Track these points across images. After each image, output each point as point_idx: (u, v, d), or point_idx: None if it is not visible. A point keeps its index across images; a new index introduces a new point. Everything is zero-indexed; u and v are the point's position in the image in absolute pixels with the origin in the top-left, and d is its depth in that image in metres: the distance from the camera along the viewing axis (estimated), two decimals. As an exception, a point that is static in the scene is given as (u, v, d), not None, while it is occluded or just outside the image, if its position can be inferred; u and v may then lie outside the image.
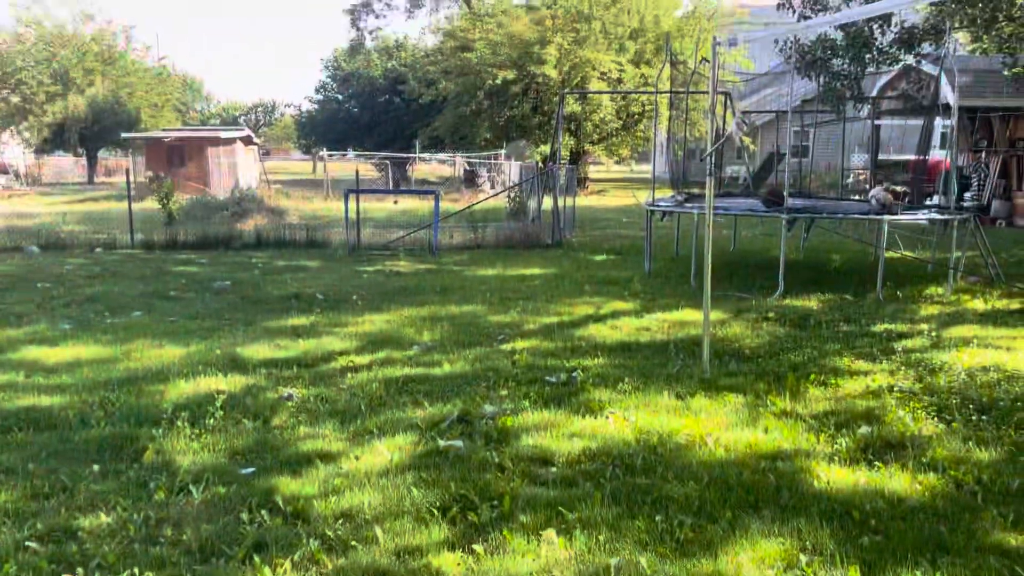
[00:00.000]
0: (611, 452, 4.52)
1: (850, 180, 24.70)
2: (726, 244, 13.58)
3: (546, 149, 26.78)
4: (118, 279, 10.81)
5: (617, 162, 33.48)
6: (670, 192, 13.78)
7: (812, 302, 9.03)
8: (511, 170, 26.17)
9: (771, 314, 8.26)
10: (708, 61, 17.00)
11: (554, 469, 4.37)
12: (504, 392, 5.71)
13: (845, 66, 14.97)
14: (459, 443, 4.67)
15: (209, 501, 4.03)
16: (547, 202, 16.90)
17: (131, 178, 15.50)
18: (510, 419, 5.07)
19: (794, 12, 15.67)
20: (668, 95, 13.74)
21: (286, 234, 14.34)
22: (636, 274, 11.08)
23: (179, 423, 5.07)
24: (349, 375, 6.26)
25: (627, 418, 5.06)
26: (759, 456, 4.48)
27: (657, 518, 3.72)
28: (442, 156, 33.44)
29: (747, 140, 27.94)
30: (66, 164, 46.98)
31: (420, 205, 21.15)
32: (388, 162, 30.46)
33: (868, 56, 14.35)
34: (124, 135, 34.55)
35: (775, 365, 6.31)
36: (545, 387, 5.77)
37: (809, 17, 15.60)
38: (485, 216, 16.20)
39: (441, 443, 4.66)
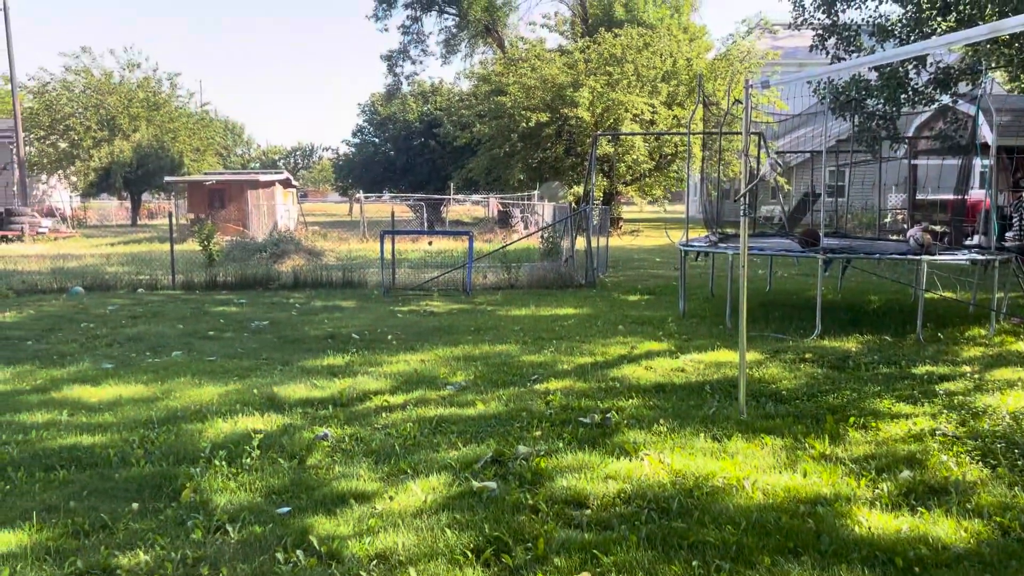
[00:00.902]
0: (646, 495, 4.48)
1: (888, 220, 24.47)
2: (762, 284, 13.49)
3: (579, 190, 26.92)
4: (159, 319, 11.02)
5: (650, 202, 33.52)
6: (704, 232, 13.75)
7: (850, 343, 8.91)
8: (544, 211, 26.33)
9: (808, 355, 8.15)
10: (741, 103, 17.07)
11: (588, 512, 4.33)
12: (537, 433, 5.69)
13: (880, 106, 14.94)
14: (493, 484, 4.66)
15: (245, 540, 4.06)
16: (580, 242, 16.96)
17: (173, 221, 15.88)
18: (544, 460, 5.05)
19: (827, 53, 15.73)
20: (701, 136, 13.75)
21: (323, 275, 14.53)
22: (670, 314, 11.03)
23: (217, 462, 5.13)
24: (384, 415, 6.29)
25: (662, 460, 5.01)
26: (798, 500, 4.41)
27: (694, 563, 3.67)
28: (476, 197, 33.77)
29: (782, 180, 27.84)
30: (111, 207, 48.29)
31: (454, 246, 21.32)
32: (423, 203, 30.83)
33: (903, 96, 14.30)
34: (167, 179, 35.49)
35: (813, 407, 6.21)
36: (579, 428, 5.75)
37: (842, 58, 15.63)
38: (519, 256, 16.31)
39: (475, 484, 4.66)
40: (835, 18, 15.43)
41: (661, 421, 5.83)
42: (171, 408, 6.55)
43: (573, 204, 21.49)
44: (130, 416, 6.33)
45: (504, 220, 28.50)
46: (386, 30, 48.35)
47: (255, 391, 7.04)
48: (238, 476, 4.94)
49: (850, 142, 15.65)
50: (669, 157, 28.50)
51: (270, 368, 8.02)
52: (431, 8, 39.71)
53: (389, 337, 9.56)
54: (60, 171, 43.30)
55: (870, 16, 15.33)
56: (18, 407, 6.66)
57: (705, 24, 38.89)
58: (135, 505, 4.53)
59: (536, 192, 28.74)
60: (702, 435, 5.49)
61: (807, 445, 5.29)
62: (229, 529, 4.17)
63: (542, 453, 5.20)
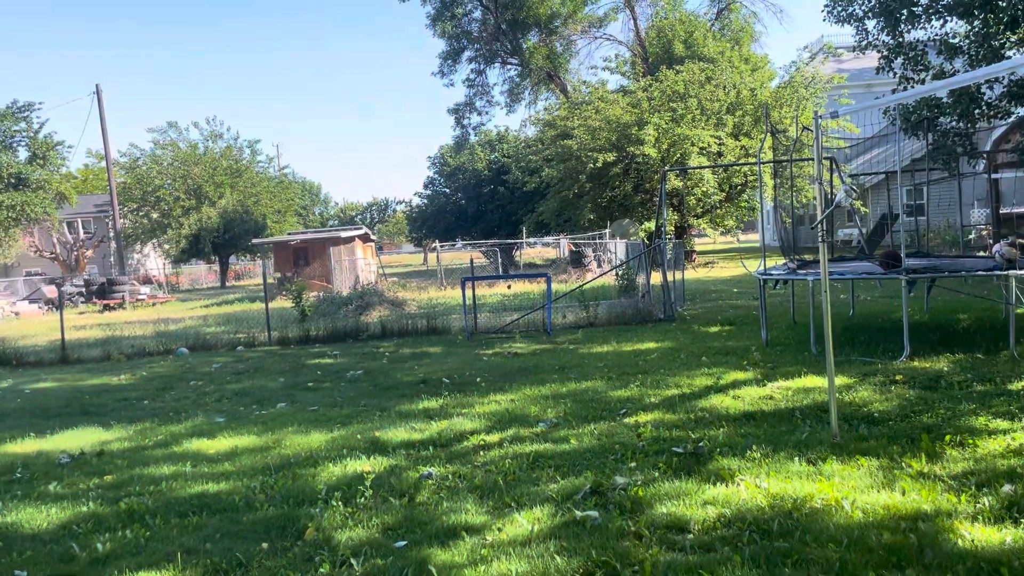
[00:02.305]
0: (745, 518, 4.62)
1: (972, 236, 23.78)
2: (845, 309, 13.36)
3: (650, 226, 27.05)
4: (261, 374, 11.64)
5: (723, 233, 33.33)
6: (781, 260, 13.74)
7: (941, 363, 8.80)
8: (616, 248, 26.53)
9: (899, 377, 8.11)
10: (810, 130, 17.06)
11: (690, 536, 4.50)
12: (632, 464, 5.88)
13: (952, 123, 14.76)
14: (595, 513, 4.87)
15: (369, 572, 4.37)
16: (655, 277, 17.10)
17: (265, 281, 16.73)
18: (641, 489, 5.23)
19: (894, 74, 15.66)
20: (771, 164, 13.82)
21: (408, 324, 15.05)
22: (753, 344, 11.06)
23: (333, 503, 5.49)
24: (481, 453, 6.58)
25: (759, 484, 5.13)
26: (899, 517, 4.48)
27: (798, 579, 3.80)
28: (548, 239, 34.20)
29: (858, 203, 27.40)
30: (200, 271, 50.61)
31: (530, 288, 21.70)
32: (497, 249, 31.41)
33: (977, 111, 14.13)
34: (254, 240, 37.14)
35: (907, 428, 6.22)
36: (673, 458, 5.91)
37: (911, 78, 15.53)
38: (595, 295, 16.54)
39: (578, 514, 4.88)
40: (900, 39, 15.39)
41: (754, 447, 5.94)
42: (284, 455, 6.98)
43: (645, 240, 21.63)
44: (248, 464, 6.78)
45: (577, 260, 28.80)
46: (452, 84, 49.99)
47: (359, 436, 7.43)
48: (354, 515, 5.28)
49: (926, 160, 15.46)
50: (739, 187, 28.42)
51: (369, 414, 8.42)
52: (494, 60, 40.87)
53: (478, 379, 9.88)
54: (153, 240, 45.76)
55: (936, 34, 15.25)
56: (145, 461, 7.20)
57: (766, 53, 38.80)
58: (264, 545, 4.90)
59: (607, 230, 28.98)
60: (796, 459, 5.59)
61: (904, 464, 5.33)
62: (353, 563, 4.49)
63: (639, 483, 5.38)
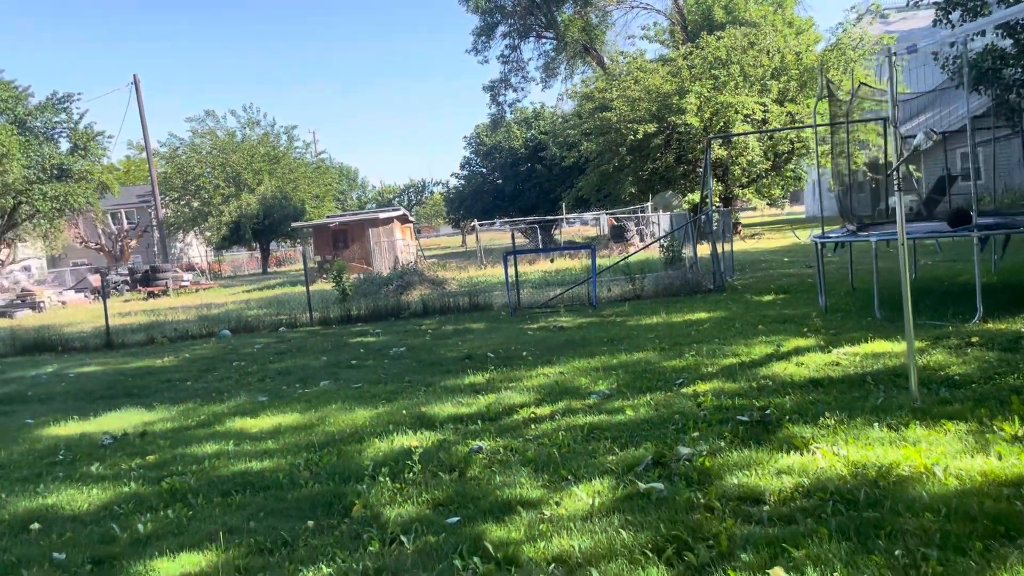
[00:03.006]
0: (826, 487, 4.23)
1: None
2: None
3: (693, 198, 26.41)
4: (303, 353, 11.47)
5: (770, 204, 32.51)
6: (835, 226, 13.15)
7: (1018, 324, 8.25)
8: (660, 221, 25.96)
9: (975, 339, 7.60)
10: (868, 86, 16.31)
11: (767, 508, 4.13)
12: (695, 434, 5.51)
13: (1018, 75, 13.97)
14: (660, 485, 4.53)
15: (421, 550, 4.09)
16: (702, 248, 16.59)
17: (306, 263, 16.60)
18: (708, 460, 4.87)
19: (952, 27, 14.86)
20: (824, 128, 13.20)
21: (450, 301, 14.79)
22: (811, 311, 10.57)
23: (380, 479, 5.22)
24: (532, 426, 6.27)
25: (836, 452, 4.74)
26: (999, 484, 4.06)
27: (896, 552, 3.42)
28: (588, 216, 33.71)
29: (912, 167, 26.40)
30: (242, 258, 51.07)
31: (572, 264, 21.31)
32: (536, 226, 31.02)
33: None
34: (293, 225, 37.23)
35: (993, 390, 5.76)
36: (739, 426, 5.53)
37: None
38: (640, 268, 16.08)
39: (641, 486, 4.54)
40: (959, -12, 14.58)
41: (826, 414, 5.53)
42: (328, 432, 6.75)
43: (691, 211, 21.07)
44: (291, 442, 6.56)
45: (619, 235, 28.29)
46: (486, 62, 49.33)
47: (404, 412, 7.17)
48: (403, 490, 5.01)
49: (987, 118, 14.67)
50: (785, 155, 27.59)
51: (414, 390, 8.16)
52: (528, 35, 40.27)
53: (524, 354, 9.57)
54: (195, 228, 46.21)
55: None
56: (188, 440, 7.02)
57: (811, 16, 37.59)
58: (310, 523, 4.65)
59: (649, 204, 28.40)
60: (875, 425, 5.17)
61: (995, 428, 4.89)
62: (404, 540, 4.21)
63: (704, 453, 5.02)
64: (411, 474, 5.28)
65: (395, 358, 10.30)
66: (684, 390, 6.90)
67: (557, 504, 4.49)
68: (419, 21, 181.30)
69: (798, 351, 8.03)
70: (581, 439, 5.73)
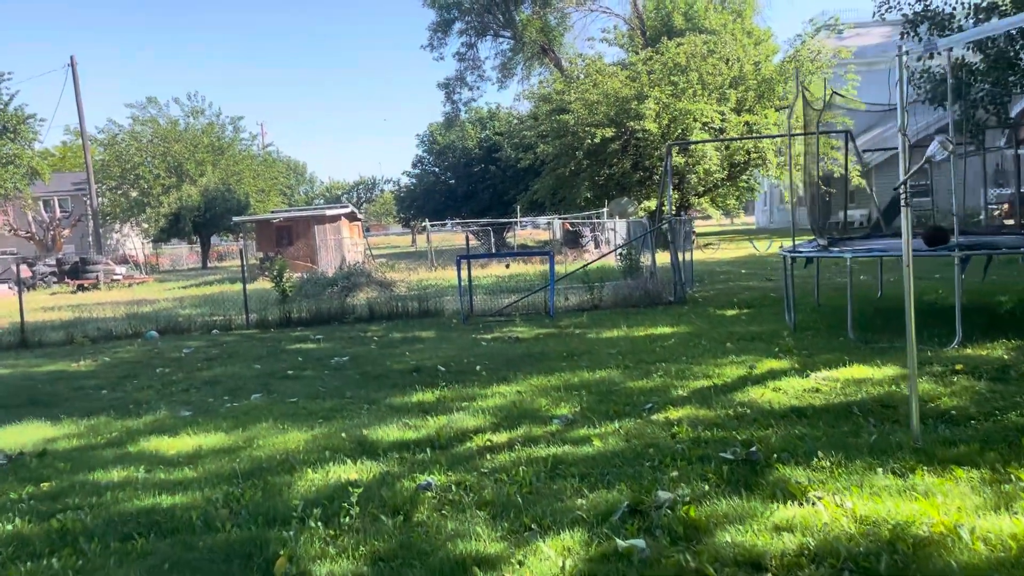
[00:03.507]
0: (836, 551, 3.62)
1: (981, 217, 22.91)
2: (868, 291, 12.40)
3: (649, 205, 26.02)
4: (235, 360, 10.56)
5: (724, 214, 32.37)
6: (802, 239, 12.71)
7: (998, 350, 7.84)
8: (618, 227, 25.48)
9: (959, 367, 7.13)
10: (841, 96, 16.01)
11: (769, 575, 3.50)
12: (674, 473, 4.87)
13: (983, 91, 13.77)
14: (641, 543, 3.86)
15: (355, 626, 3.35)
16: (661, 257, 16.09)
17: (244, 260, 15.60)
18: (693, 508, 4.23)
19: (920, 40, 14.62)
20: (790, 138, 12.77)
21: (398, 306, 13.98)
22: (778, 328, 10.09)
23: (311, 522, 4.46)
24: (488, 456, 5.57)
25: (840, 503, 4.13)
26: (1033, 552, 3.49)
27: (941, 650, 2.80)
28: (544, 219, 33.14)
29: (861, 182, 26.42)
30: (181, 251, 49.23)
31: (526, 269, 20.66)
32: (489, 229, 30.30)
33: (1012, 78, 13.13)
34: (235, 219, 35.86)
35: (997, 429, 5.24)
36: (723, 465, 4.91)
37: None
38: (598, 276, 15.50)
39: (620, 543, 3.86)
40: (927, 2, 14.37)
41: (820, 454, 4.94)
42: (255, 458, 5.94)
43: (649, 218, 20.61)
44: (212, 470, 5.74)
45: (573, 241, 27.74)
46: (441, 58, 48.58)
47: (343, 435, 6.40)
48: (337, 539, 4.26)
49: (953, 132, 14.46)
50: (740, 166, 27.40)
51: (356, 408, 7.38)
52: (486, 33, 39.56)
53: (478, 368, 8.86)
54: (132, 219, 44.34)
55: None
56: (92, 464, 6.14)
57: (769, 27, 37.63)
58: (223, 581, 3.87)
59: (605, 210, 27.92)
60: (878, 470, 4.59)
61: (1012, 476, 4.35)
62: (334, 611, 3.46)
63: (687, 499, 4.38)
64: (348, 518, 4.52)
65: (336, 369, 9.49)
66: (655, 417, 6.27)
67: (520, 564, 3.79)
68: (374, 15, 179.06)
69: (773, 374, 7.48)
70: (544, 476, 5.04)
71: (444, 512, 4.57)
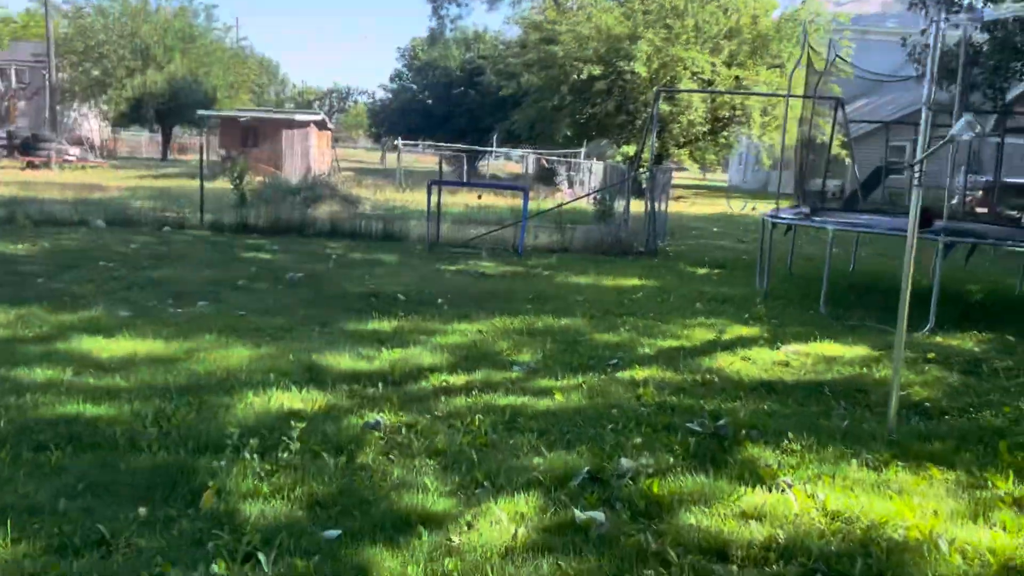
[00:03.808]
0: (807, 548, 3.39)
1: (955, 201, 22.90)
2: (843, 265, 12.23)
3: (628, 150, 25.53)
4: (185, 262, 10.03)
5: (702, 168, 32.04)
6: (778, 204, 12.43)
7: (968, 342, 7.72)
8: (595, 169, 24.99)
9: (931, 355, 6.97)
10: (844, 59, 15.54)
11: (734, 568, 3.26)
12: (638, 440, 4.61)
13: (982, 75, 13.47)
14: (600, 515, 3.59)
15: (283, 579, 3.04)
16: (635, 206, 15.73)
17: (204, 156, 14.84)
18: (656, 483, 3.97)
19: (927, 13, 14.21)
20: (787, 99, 12.36)
21: (361, 224, 13.46)
22: (748, 292, 9.88)
23: (246, 453, 4.11)
24: (443, 399, 5.26)
25: (811, 494, 3.91)
26: (1010, 569, 3.31)
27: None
28: (518, 152, 32.46)
29: (844, 153, 26.23)
30: (142, 139, 47.46)
31: (496, 201, 20.14)
32: (463, 155, 29.57)
33: (1016, 64, 12.84)
34: (200, 112, 34.46)
35: (972, 428, 5.07)
36: (688, 437, 4.66)
37: (946, 19, 14.10)
38: (569, 218, 15.12)
39: (578, 514, 3.59)
40: (940, -27, 13.88)
41: (790, 435, 4.71)
42: (193, 373, 5.55)
43: (622, 164, 20.16)
44: (145, 380, 5.34)
45: (547, 178, 27.21)
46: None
47: (291, 357, 6.03)
48: (273, 476, 3.93)
49: (951, 111, 14.19)
50: (724, 121, 26.97)
51: (307, 329, 6.99)
52: (481, -51, 37.90)
53: (439, 300, 8.49)
54: (92, 99, 42.41)
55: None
56: (16, 359, 5.69)
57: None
58: (142, 510, 3.52)
59: (583, 150, 27.35)
60: (852, 461, 4.37)
61: (988, 483, 4.17)
62: (262, 559, 3.15)
63: (651, 471, 4.12)
64: (287, 452, 4.18)
65: (291, 285, 9.04)
66: (620, 374, 6.01)
67: (469, 526, 3.50)
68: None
69: (742, 341, 7.26)
70: (502, 428, 4.75)
71: (391, 457, 4.26)
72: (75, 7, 42.54)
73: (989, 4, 13.57)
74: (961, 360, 6.89)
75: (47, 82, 37.10)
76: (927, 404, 5.53)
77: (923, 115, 4.40)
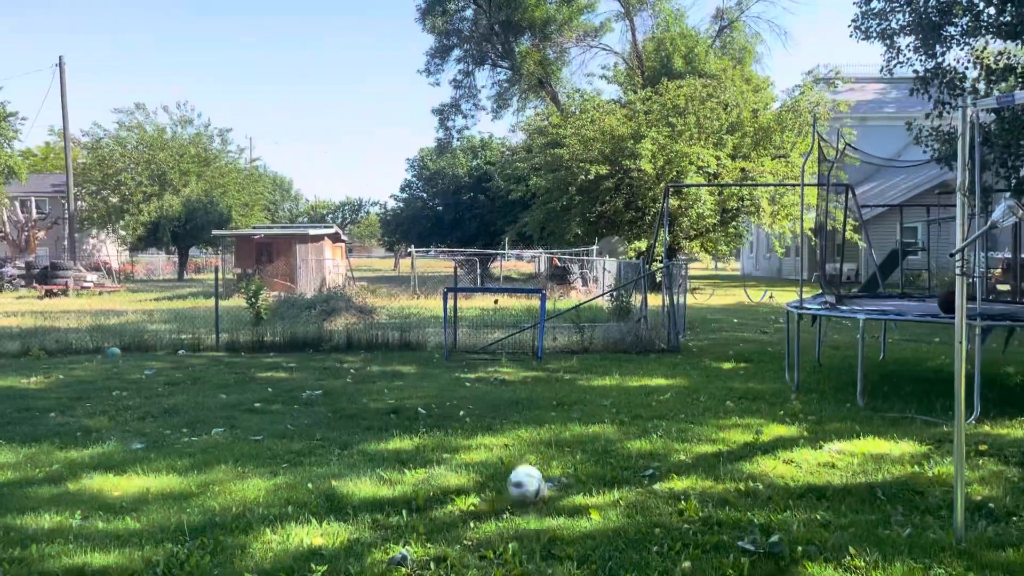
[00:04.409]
0: None
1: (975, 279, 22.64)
2: (872, 353, 11.90)
3: (640, 245, 25.59)
4: (200, 387, 9.83)
5: (715, 258, 32.00)
6: (794, 293, 12.23)
7: (1018, 429, 7.35)
8: (609, 266, 24.97)
9: (982, 447, 6.60)
10: (853, 147, 15.65)
11: None
12: (687, 564, 4.26)
13: (995, 153, 13.43)
14: (656, 660, 3.23)
15: None
16: (652, 300, 15.54)
17: (219, 275, 14.89)
18: (713, 614, 3.61)
19: (930, 98, 14.34)
20: (802, 188, 12.33)
21: (378, 335, 13.30)
22: (778, 386, 9.56)
23: (264, 604, 3.79)
24: (472, 524, 4.93)
25: (887, 621, 3.54)
26: None
27: None
28: (527, 253, 32.61)
29: (857, 237, 26.21)
30: (158, 261, 48.20)
31: (512, 303, 20.04)
32: (476, 259, 29.71)
33: (1024, 142, 12.81)
34: (215, 232, 35.04)
35: (1045, 530, 4.68)
36: (741, 557, 4.30)
37: (947, 103, 14.22)
38: (586, 316, 14.93)
39: (631, 660, 3.23)
40: (940, 59, 14.09)
41: (851, 550, 4.35)
42: (208, 509, 5.26)
43: (643, 259, 20.11)
44: (157, 521, 5.05)
45: (560, 276, 27.21)
46: (438, 84, 47.94)
47: (309, 485, 5.73)
48: (293, 629, 3.59)
49: (934, 194, 14.14)
50: (732, 212, 27.09)
51: (326, 452, 6.71)
52: (483, 62, 39.31)
53: (461, 413, 8.21)
54: (109, 225, 43.32)
55: (979, 55, 13.96)
56: (24, 504, 5.43)
57: (768, 75, 37.68)
58: None
59: (594, 247, 27.43)
60: (923, 577, 4.00)
61: (1078, 596, 3.78)
62: None
63: (706, 601, 3.76)
64: (307, 600, 3.86)
65: (308, 404, 8.80)
66: (658, 486, 5.66)
67: None
68: (371, 35, 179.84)
69: (782, 443, 6.90)
70: (538, 556, 4.41)
71: (421, 598, 3.92)
72: (94, 138, 44.03)
73: (992, 88, 13.70)
74: (1016, 451, 6.51)
75: (66, 212, 38.00)
76: (991, 504, 5.15)
77: (958, 202, 4.23)
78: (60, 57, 36.22)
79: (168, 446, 7.00)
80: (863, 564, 4.19)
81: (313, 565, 4.11)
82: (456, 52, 39.08)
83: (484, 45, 38.27)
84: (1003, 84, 13.33)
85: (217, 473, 6.12)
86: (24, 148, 51.00)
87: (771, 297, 24.11)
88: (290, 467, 6.27)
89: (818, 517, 4.99)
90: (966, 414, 7.62)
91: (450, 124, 40.46)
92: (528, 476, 5.40)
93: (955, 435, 4.50)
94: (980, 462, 6.24)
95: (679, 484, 5.71)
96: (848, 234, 24.54)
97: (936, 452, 6.52)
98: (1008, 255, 23.81)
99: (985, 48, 14.14)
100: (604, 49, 38.80)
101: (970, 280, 9.13)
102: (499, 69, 39.74)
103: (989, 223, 4.30)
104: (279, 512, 5.17)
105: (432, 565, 4.31)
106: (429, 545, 4.61)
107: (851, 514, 5.05)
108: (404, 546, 4.56)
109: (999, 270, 21.99)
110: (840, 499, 5.35)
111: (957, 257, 4.23)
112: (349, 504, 5.34)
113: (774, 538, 4.52)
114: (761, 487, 5.62)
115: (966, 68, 14.00)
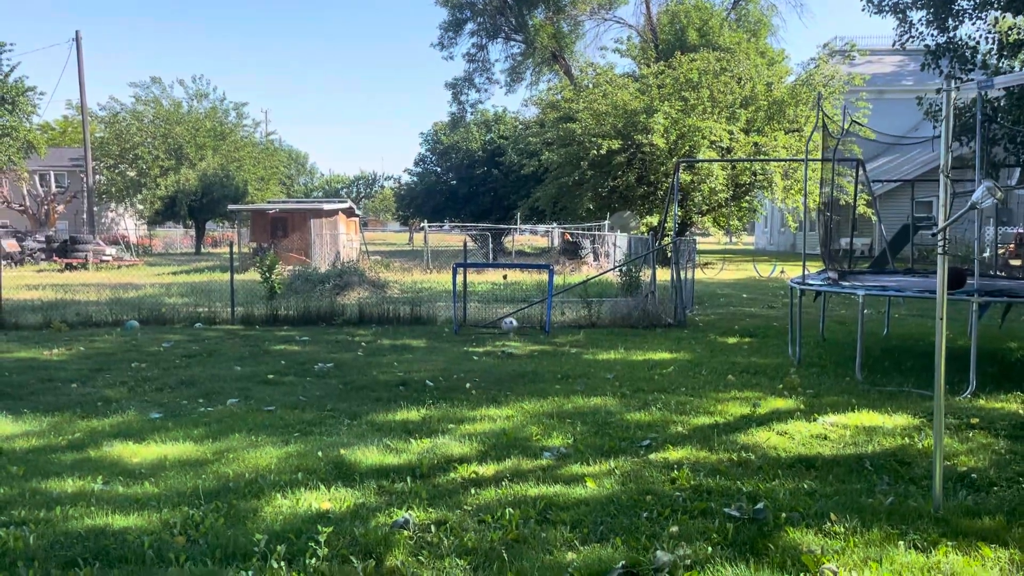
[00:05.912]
0: (857, 643, 3.22)
1: (987, 254, 22.57)
2: (876, 327, 12.03)
3: (652, 220, 25.66)
4: (215, 359, 10.13)
5: (726, 233, 32.00)
6: (804, 268, 12.34)
7: (1013, 404, 7.48)
8: (620, 242, 25.08)
9: (974, 420, 6.76)
10: (860, 124, 15.64)
11: (781, 668, 3.10)
12: (674, 528, 4.47)
13: (1004, 128, 13.42)
14: (637, 615, 3.46)
15: None
16: (661, 275, 15.70)
17: (234, 250, 15.17)
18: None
19: (941, 72, 14.28)
20: (805, 163, 12.39)
21: (389, 309, 13.55)
22: (781, 360, 9.72)
23: (273, 562, 4.05)
24: (473, 491, 5.16)
25: (859, 583, 3.74)
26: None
27: None
28: (543, 227, 32.73)
29: (869, 211, 26.11)
30: (176, 235, 48.69)
31: (522, 277, 20.23)
32: (488, 233, 29.88)
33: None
34: (230, 207, 35.37)
35: (1021, 498, 4.86)
36: (727, 523, 4.51)
37: (959, 78, 14.17)
38: (595, 291, 15.12)
39: (613, 615, 3.46)
40: (951, 33, 14.03)
41: (832, 516, 4.55)
42: (222, 475, 5.52)
43: (652, 234, 20.23)
44: (174, 486, 5.32)
45: (572, 252, 27.34)
46: (451, 58, 47.77)
47: (319, 453, 5.99)
48: (300, 585, 3.85)
49: (973, 168, 14.14)
50: (745, 187, 27.06)
51: (336, 422, 6.97)
52: (497, 35, 39.18)
53: (467, 385, 8.45)
54: (128, 199, 43.78)
55: (990, 32, 13.89)
56: (48, 470, 5.72)
57: (783, 48, 37.33)
58: (168, 629, 3.46)
59: (606, 222, 27.51)
60: (900, 543, 4.19)
61: (1047, 563, 3.96)
62: None
63: (688, 563, 3.98)
64: (314, 559, 4.11)
65: (319, 376, 9.06)
66: (654, 456, 5.87)
67: (501, 633, 3.38)
68: (386, 11, 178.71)
69: (778, 415, 7.09)
70: (533, 521, 4.63)
71: (420, 558, 4.16)
72: (111, 112, 44.38)
73: (1003, 60, 13.64)
74: (1007, 424, 6.67)
75: (85, 185, 38.43)
76: (973, 475, 5.32)
77: (940, 183, 4.36)
78: (77, 32, 36.43)
79: (185, 416, 7.28)
80: (842, 530, 4.39)
81: (320, 527, 4.35)
82: (469, 25, 38.99)
83: (498, 18, 38.13)
84: (1015, 59, 13.27)
85: (231, 441, 6.38)
86: (42, 122, 51.39)
87: (782, 272, 24.13)
88: (301, 436, 6.53)
89: (805, 486, 5.19)
90: (962, 389, 7.80)
91: (463, 98, 40.51)
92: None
93: (935, 407, 4.66)
94: (970, 435, 6.40)
95: (674, 454, 5.92)
96: (860, 208, 24.49)
97: (928, 425, 6.68)
98: (1022, 229, 23.71)
99: (1000, 20, 14.05)
100: (618, 22, 38.59)
101: (972, 257, 9.22)
102: (512, 42, 39.62)
103: (969, 204, 4.43)
104: (289, 478, 5.42)
105: (433, 528, 4.55)
106: (431, 510, 4.84)
107: (837, 483, 5.25)
108: (407, 510, 4.80)
109: (1012, 244, 21.91)
110: (828, 469, 5.55)
111: (940, 237, 4.36)
112: (356, 471, 5.59)
113: (759, 505, 4.72)
114: (753, 457, 5.82)
115: (977, 43, 13.94)
